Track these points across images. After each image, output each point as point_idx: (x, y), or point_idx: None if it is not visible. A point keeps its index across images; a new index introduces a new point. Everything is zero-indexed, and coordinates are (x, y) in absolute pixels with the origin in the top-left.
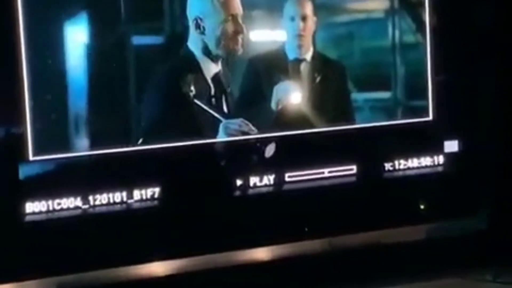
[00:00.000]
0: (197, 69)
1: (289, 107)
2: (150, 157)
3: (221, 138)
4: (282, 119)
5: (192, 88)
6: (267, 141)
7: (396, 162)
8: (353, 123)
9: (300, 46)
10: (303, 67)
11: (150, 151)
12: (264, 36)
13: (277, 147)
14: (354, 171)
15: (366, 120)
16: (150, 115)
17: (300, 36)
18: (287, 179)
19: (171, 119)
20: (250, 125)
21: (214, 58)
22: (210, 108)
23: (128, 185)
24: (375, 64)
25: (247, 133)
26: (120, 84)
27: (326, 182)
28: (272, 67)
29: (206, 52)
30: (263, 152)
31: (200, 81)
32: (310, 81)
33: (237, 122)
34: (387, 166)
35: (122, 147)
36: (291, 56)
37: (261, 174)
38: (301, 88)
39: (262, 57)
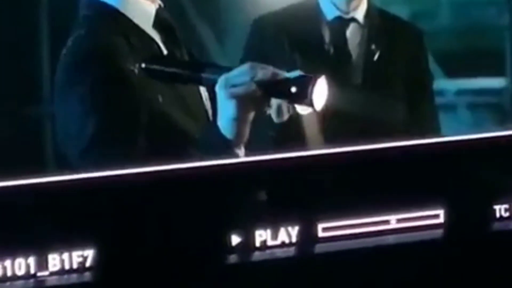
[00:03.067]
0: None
1: (325, 107)
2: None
3: (223, 114)
4: (311, 129)
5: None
6: (286, 165)
7: None
8: (438, 134)
9: None
10: (352, 32)
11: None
12: None
13: (303, 176)
14: (441, 219)
15: (462, 130)
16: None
17: None
18: (321, 233)
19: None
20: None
21: None
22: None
23: (40, 247)
24: (478, 28)
25: (276, 79)
26: None
27: (392, 239)
28: (294, 34)
29: None
30: (279, 185)
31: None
32: (363, 58)
33: (252, 67)
34: (500, 209)
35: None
36: (329, 14)
37: (274, 224)
38: (347, 72)
39: (276, 16)
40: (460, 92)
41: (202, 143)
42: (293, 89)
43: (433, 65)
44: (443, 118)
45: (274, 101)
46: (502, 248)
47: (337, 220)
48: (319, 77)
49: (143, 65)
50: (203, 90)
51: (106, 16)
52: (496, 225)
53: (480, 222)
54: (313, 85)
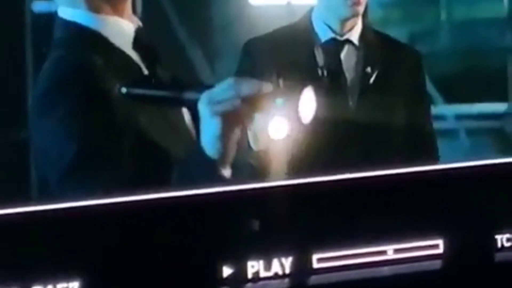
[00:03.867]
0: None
1: (319, 131)
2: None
3: (207, 132)
4: (306, 154)
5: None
6: (279, 193)
7: None
8: (435, 161)
9: (347, 17)
10: (346, 55)
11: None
12: None
13: (296, 204)
14: (440, 249)
15: (463, 156)
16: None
17: None
18: (316, 264)
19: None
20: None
21: None
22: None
23: (23, 278)
24: (479, 50)
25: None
26: None
27: (389, 270)
28: (286, 57)
29: None
30: (272, 214)
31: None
32: (358, 81)
33: (236, 82)
34: (502, 239)
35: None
36: (323, 36)
37: (267, 255)
38: (342, 96)
39: (267, 38)
40: (461, 117)
41: (186, 166)
42: (279, 101)
43: (432, 89)
44: (444, 144)
45: (252, 127)
46: (504, 279)
47: (333, 250)
48: (306, 87)
49: (123, 90)
50: (185, 111)
51: (83, 38)
52: (498, 256)
53: (481, 253)
54: (300, 96)
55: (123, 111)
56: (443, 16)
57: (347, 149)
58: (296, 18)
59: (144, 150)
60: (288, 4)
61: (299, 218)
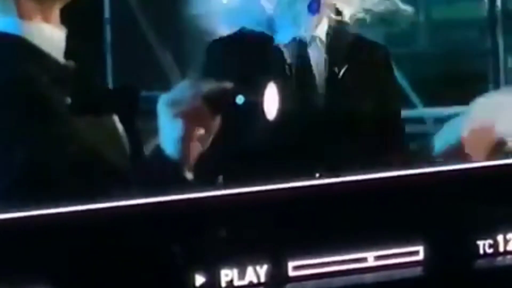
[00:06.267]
0: None
1: (287, 133)
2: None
3: (169, 134)
4: (273, 158)
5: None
6: (253, 199)
7: (501, 239)
8: (406, 159)
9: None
10: (312, 52)
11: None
12: None
13: (271, 210)
14: (421, 255)
15: (441, 160)
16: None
17: None
18: (292, 272)
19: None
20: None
21: None
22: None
23: None
24: (457, 53)
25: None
26: None
27: (369, 278)
28: (251, 57)
29: None
30: (246, 220)
31: None
32: (325, 78)
33: (195, 82)
34: (484, 245)
35: None
36: (288, 34)
37: (241, 263)
38: (310, 93)
39: (229, 39)
40: (440, 120)
41: (148, 168)
42: (241, 100)
43: (411, 92)
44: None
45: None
46: (486, 286)
47: (309, 257)
48: (268, 83)
49: (68, 100)
50: (116, 120)
51: (13, 46)
52: (480, 262)
53: (463, 259)
54: (263, 92)
55: (60, 122)
56: (421, 17)
57: (316, 146)
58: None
59: (83, 160)
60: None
61: (274, 224)
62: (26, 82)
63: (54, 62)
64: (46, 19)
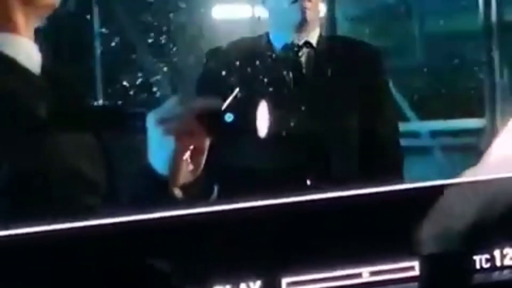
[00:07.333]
0: None
1: (280, 147)
2: None
3: (158, 152)
4: (266, 172)
5: None
6: (245, 214)
7: (497, 254)
8: (398, 163)
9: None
10: (305, 58)
11: None
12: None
13: (264, 225)
14: (417, 271)
15: (437, 174)
16: None
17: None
18: None
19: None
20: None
21: None
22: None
23: None
24: (452, 66)
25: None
26: None
27: None
28: (245, 65)
29: None
30: (238, 236)
31: None
32: (319, 83)
33: (185, 98)
34: (480, 260)
35: None
36: (281, 41)
37: (233, 279)
38: (304, 98)
39: (226, 50)
40: (436, 134)
41: (137, 186)
42: (230, 118)
43: (406, 106)
44: (418, 162)
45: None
46: None
47: (303, 273)
48: (259, 100)
49: (48, 115)
50: (100, 137)
51: None
52: (477, 277)
53: (459, 274)
54: (254, 110)
55: (39, 137)
56: (416, 31)
57: (308, 155)
58: (259, 31)
59: (63, 177)
60: (252, 17)
61: (267, 240)
62: (2, 95)
63: (32, 75)
64: (24, 32)
